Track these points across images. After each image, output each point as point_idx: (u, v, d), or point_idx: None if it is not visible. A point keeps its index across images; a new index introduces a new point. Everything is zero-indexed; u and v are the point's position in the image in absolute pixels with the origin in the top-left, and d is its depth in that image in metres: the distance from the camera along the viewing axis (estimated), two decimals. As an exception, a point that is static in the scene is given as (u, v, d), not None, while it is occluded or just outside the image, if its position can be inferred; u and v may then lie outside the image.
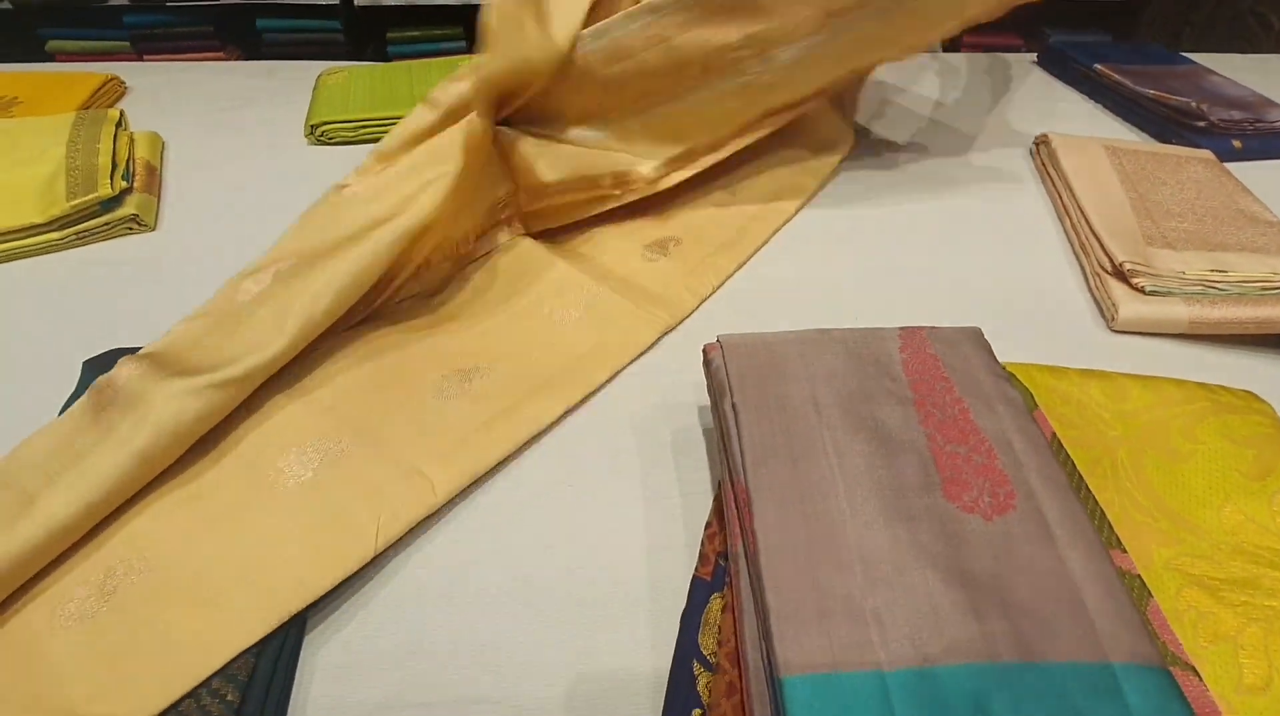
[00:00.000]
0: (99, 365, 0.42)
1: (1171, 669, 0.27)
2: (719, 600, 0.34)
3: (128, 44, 1.37)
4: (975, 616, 0.27)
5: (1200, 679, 0.29)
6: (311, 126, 0.67)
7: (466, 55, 0.76)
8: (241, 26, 1.39)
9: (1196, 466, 0.39)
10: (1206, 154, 0.66)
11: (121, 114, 0.64)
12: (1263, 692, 0.30)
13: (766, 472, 0.32)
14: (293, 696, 0.31)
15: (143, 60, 1.38)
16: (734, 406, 0.35)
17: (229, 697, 0.29)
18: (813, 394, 0.35)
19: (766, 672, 0.28)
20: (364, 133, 0.67)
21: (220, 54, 1.39)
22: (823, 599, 0.28)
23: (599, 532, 0.38)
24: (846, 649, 0.26)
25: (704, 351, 0.39)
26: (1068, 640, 0.27)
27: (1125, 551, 0.33)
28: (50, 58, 1.37)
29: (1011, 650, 0.26)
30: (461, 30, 1.41)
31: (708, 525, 0.38)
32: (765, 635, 0.28)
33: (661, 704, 0.32)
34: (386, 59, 1.05)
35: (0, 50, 1.11)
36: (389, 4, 1.36)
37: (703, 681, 0.31)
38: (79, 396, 0.40)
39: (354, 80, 0.73)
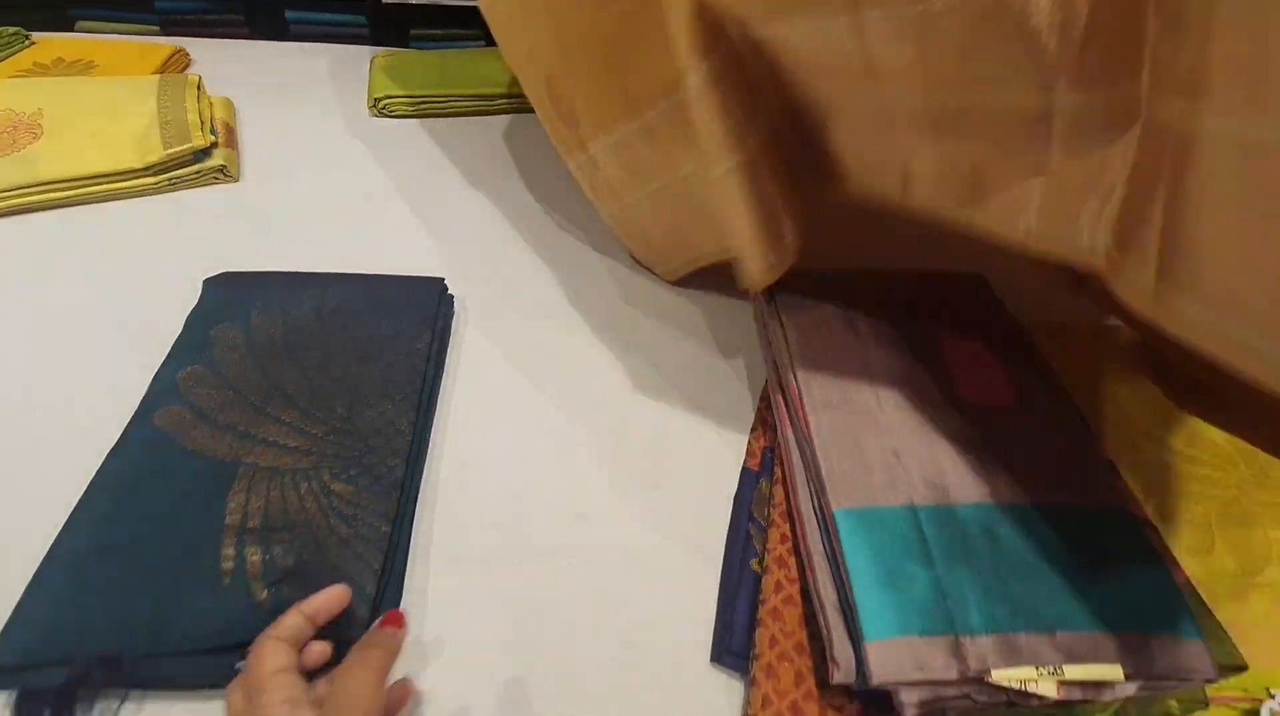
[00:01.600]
0: (218, 283, 0.47)
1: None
2: (765, 483, 0.41)
3: (158, 28, 1.41)
4: (984, 470, 0.34)
5: (1159, 535, 0.36)
6: (375, 100, 0.73)
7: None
8: (269, 16, 1.45)
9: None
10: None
11: (200, 79, 0.69)
12: (1206, 555, 0.37)
13: (813, 372, 0.39)
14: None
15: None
16: (782, 323, 0.42)
17: (383, 528, 0.35)
18: (847, 315, 0.42)
19: (818, 516, 0.34)
20: (423, 107, 0.74)
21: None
22: (864, 458, 0.35)
23: (656, 442, 0.44)
24: (884, 489, 0.33)
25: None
26: (1058, 489, 0.34)
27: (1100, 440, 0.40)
28: (79, 37, 1.40)
29: (1014, 495, 0.34)
30: (481, 31, 1.48)
31: (753, 429, 0.45)
32: (818, 488, 0.35)
33: (720, 562, 0.38)
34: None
35: (31, 30, 1.15)
36: (415, 2, 1.43)
37: (757, 539, 0.38)
38: (201, 308, 0.46)
39: (409, 62, 0.79)
